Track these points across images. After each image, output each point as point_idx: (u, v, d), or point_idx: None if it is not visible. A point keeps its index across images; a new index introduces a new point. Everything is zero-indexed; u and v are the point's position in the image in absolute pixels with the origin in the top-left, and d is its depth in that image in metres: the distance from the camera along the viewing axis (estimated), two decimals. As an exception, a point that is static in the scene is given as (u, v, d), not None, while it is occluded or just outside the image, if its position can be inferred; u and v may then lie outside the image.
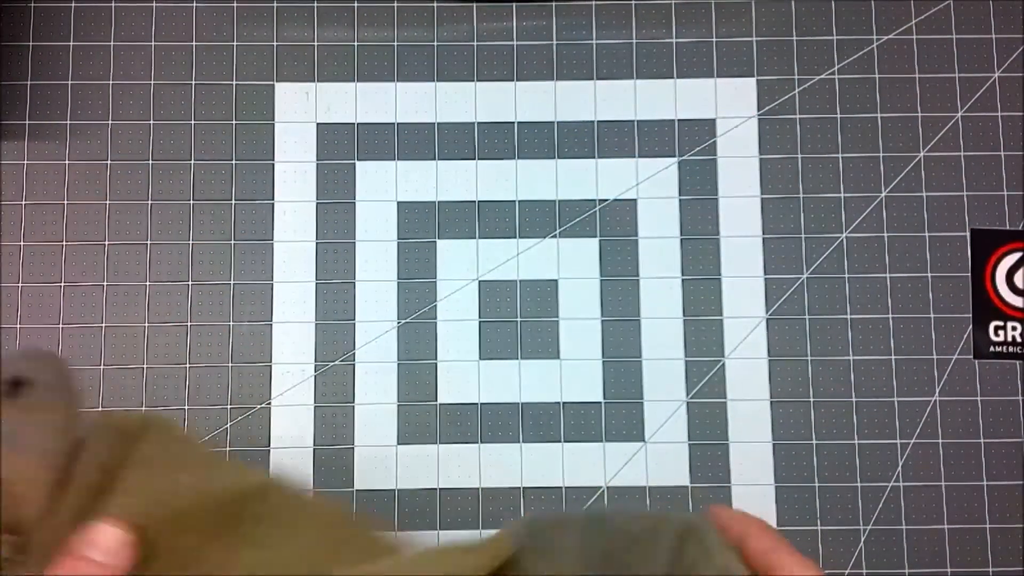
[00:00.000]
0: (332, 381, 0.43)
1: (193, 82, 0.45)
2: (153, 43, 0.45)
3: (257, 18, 0.45)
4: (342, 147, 0.44)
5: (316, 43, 0.45)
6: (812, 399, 0.43)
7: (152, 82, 0.45)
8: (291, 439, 0.42)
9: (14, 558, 0.22)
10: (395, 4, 0.45)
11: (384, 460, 0.42)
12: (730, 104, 0.45)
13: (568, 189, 0.44)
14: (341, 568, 0.23)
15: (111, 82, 0.45)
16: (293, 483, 0.25)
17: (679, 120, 0.45)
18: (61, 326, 0.43)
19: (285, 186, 0.44)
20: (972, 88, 0.45)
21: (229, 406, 0.42)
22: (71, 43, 0.45)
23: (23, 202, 0.44)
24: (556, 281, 0.44)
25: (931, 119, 0.45)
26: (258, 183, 0.44)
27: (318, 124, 0.45)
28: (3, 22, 0.45)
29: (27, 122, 0.44)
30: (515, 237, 0.44)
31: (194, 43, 0.45)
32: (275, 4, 0.45)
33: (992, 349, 0.43)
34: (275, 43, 0.45)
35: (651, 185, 0.44)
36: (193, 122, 0.45)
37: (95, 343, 0.43)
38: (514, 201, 0.44)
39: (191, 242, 0.44)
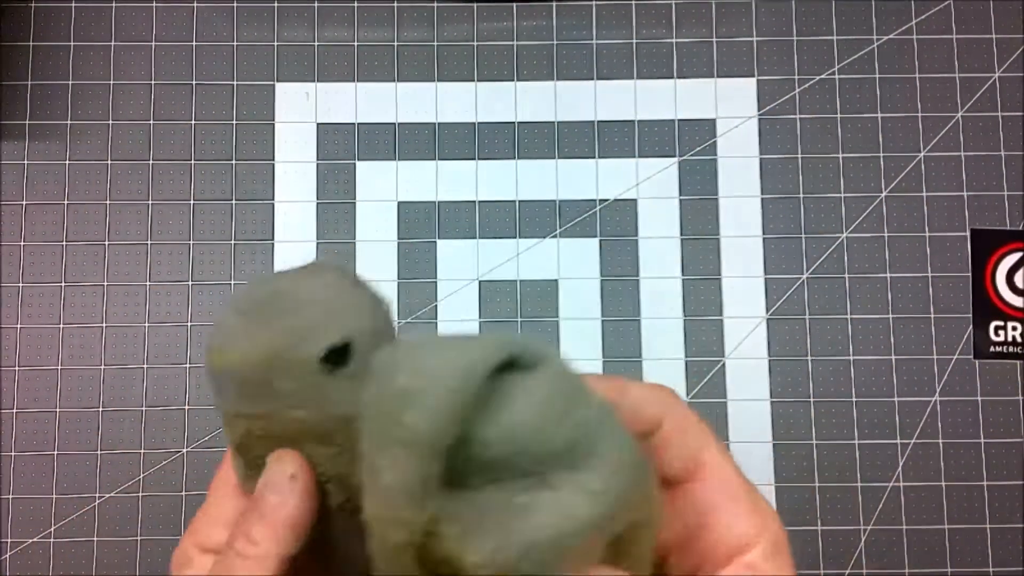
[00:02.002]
0: (332, 381, 0.43)
1: (193, 82, 0.45)
2: (153, 43, 0.45)
3: (257, 18, 0.45)
4: (342, 147, 0.44)
5: (316, 43, 0.45)
6: (812, 399, 0.43)
7: (152, 82, 0.45)
8: (291, 439, 0.42)
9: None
10: (395, 4, 0.45)
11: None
12: (730, 104, 0.45)
13: (568, 189, 0.44)
14: None
15: (111, 82, 0.45)
16: None
17: (679, 120, 0.45)
18: (61, 326, 0.43)
19: (285, 186, 0.44)
20: (972, 88, 0.45)
21: (229, 406, 0.42)
22: (71, 43, 0.45)
23: (23, 202, 0.44)
24: (556, 281, 0.44)
25: (931, 119, 0.45)
26: (258, 183, 0.44)
27: (318, 124, 0.45)
28: (3, 22, 0.45)
29: (27, 122, 0.44)
30: (515, 237, 0.44)
31: (194, 43, 0.45)
32: (275, 4, 0.45)
33: (992, 349, 0.43)
34: (275, 43, 0.45)
35: (651, 185, 0.44)
36: (193, 122, 0.45)
37: (95, 343, 0.43)
38: (514, 201, 0.44)
39: (191, 242, 0.44)
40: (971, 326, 0.43)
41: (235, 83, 0.45)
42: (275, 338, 0.19)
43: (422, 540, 0.16)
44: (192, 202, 0.44)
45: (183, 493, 0.42)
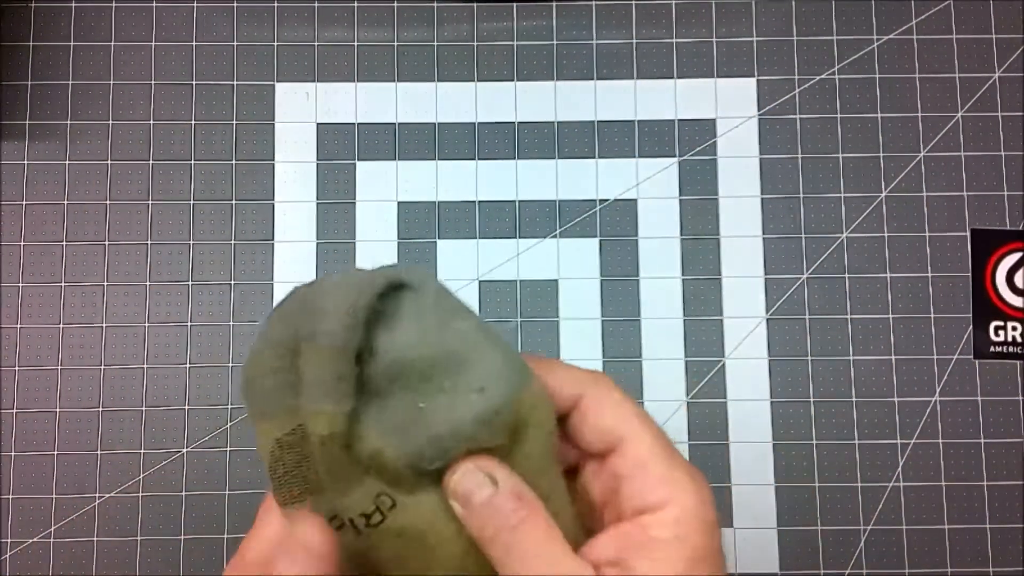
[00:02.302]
0: (332, 381, 0.43)
1: (193, 82, 0.45)
2: (153, 43, 0.45)
3: (257, 18, 0.45)
4: (342, 147, 0.44)
5: (316, 43, 0.45)
6: (812, 399, 0.43)
7: (152, 82, 0.45)
8: (291, 439, 0.42)
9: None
10: (395, 4, 0.45)
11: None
12: (730, 104, 0.45)
13: (568, 189, 0.44)
14: None
15: (111, 82, 0.45)
16: None
17: (679, 120, 0.45)
18: (61, 326, 0.43)
19: (285, 186, 0.44)
20: (972, 88, 0.45)
21: (229, 406, 0.42)
22: (71, 43, 0.45)
23: (23, 202, 0.44)
24: (556, 281, 0.44)
25: (931, 119, 0.45)
26: (258, 183, 0.44)
27: (318, 124, 0.45)
28: (3, 22, 0.45)
29: (27, 122, 0.44)
30: (515, 237, 0.44)
31: (194, 43, 0.45)
32: (275, 4, 0.45)
33: (992, 349, 0.43)
34: (275, 43, 0.45)
35: (651, 185, 0.44)
36: (193, 122, 0.45)
37: (95, 343, 0.43)
38: (514, 201, 0.44)
39: (191, 242, 0.44)
40: (971, 326, 0.43)
41: (235, 83, 0.45)
42: (293, 328, 0.21)
43: (346, 437, 0.20)
44: (192, 202, 0.44)
45: (183, 493, 0.42)
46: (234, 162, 0.44)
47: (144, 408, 0.42)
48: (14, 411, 0.42)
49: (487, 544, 0.20)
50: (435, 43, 0.45)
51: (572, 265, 0.44)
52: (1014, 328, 0.43)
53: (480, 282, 0.43)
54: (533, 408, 0.21)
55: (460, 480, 0.21)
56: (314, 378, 0.20)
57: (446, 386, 0.20)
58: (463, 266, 0.44)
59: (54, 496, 0.42)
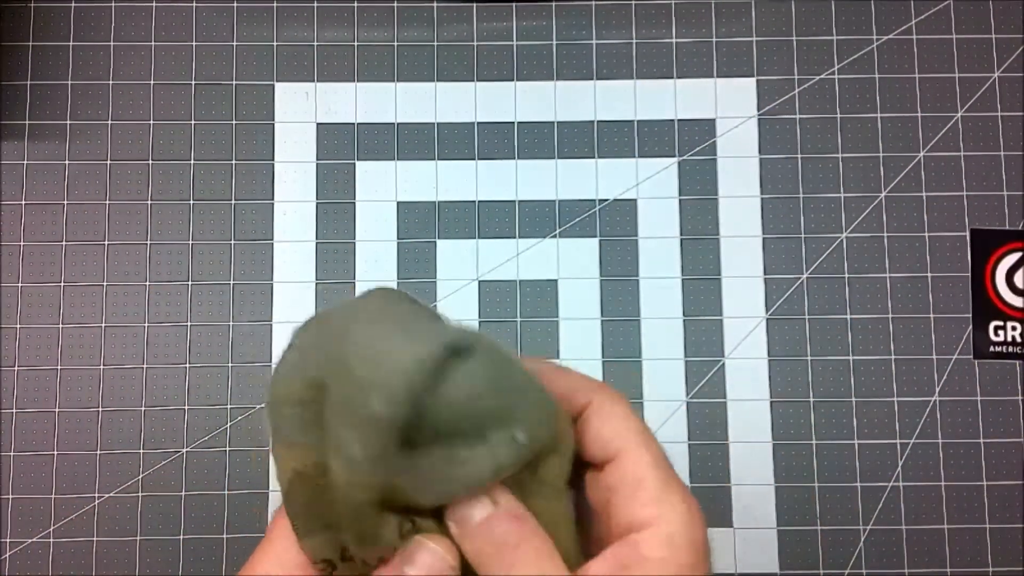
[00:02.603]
0: (332, 381, 0.43)
1: (193, 82, 0.45)
2: (153, 43, 0.45)
3: (257, 18, 0.45)
4: (342, 147, 0.44)
5: (316, 43, 0.45)
6: (812, 399, 0.43)
7: (152, 82, 0.45)
8: (291, 439, 0.42)
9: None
10: (395, 4, 0.45)
11: (384, 460, 0.42)
12: (730, 104, 0.45)
13: (568, 189, 0.44)
14: None
15: (111, 82, 0.45)
16: None
17: (679, 120, 0.45)
18: (61, 326, 0.43)
19: (285, 186, 0.44)
20: (972, 88, 0.45)
21: (229, 406, 0.42)
22: (71, 43, 0.45)
23: (23, 202, 0.44)
24: (556, 281, 0.44)
25: (931, 119, 0.45)
26: (258, 183, 0.44)
27: (318, 124, 0.45)
28: (3, 22, 0.45)
29: (27, 122, 0.44)
30: (515, 237, 0.44)
31: (194, 43, 0.45)
32: (275, 4, 0.45)
33: (992, 349, 0.43)
34: (275, 43, 0.45)
35: (651, 185, 0.44)
36: (193, 122, 0.45)
37: (95, 343, 0.43)
38: (514, 201, 0.44)
39: (191, 242, 0.44)
40: (971, 326, 0.43)
41: (235, 83, 0.45)
42: (324, 370, 0.20)
43: (382, 494, 0.20)
44: (192, 202, 0.44)
45: (183, 493, 0.42)
46: (234, 162, 0.44)
47: (143, 408, 0.42)
48: (13, 411, 0.42)
49: (484, 565, 0.21)
50: (435, 43, 0.45)
51: (572, 265, 0.44)
52: (1014, 328, 0.43)
53: (480, 282, 0.44)
54: (555, 440, 0.22)
55: (460, 502, 0.21)
56: (359, 451, 0.19)
57: (491, 439, 0.20)
58: (463, 266, 0.44)
59: (53, 496, 0.42)
